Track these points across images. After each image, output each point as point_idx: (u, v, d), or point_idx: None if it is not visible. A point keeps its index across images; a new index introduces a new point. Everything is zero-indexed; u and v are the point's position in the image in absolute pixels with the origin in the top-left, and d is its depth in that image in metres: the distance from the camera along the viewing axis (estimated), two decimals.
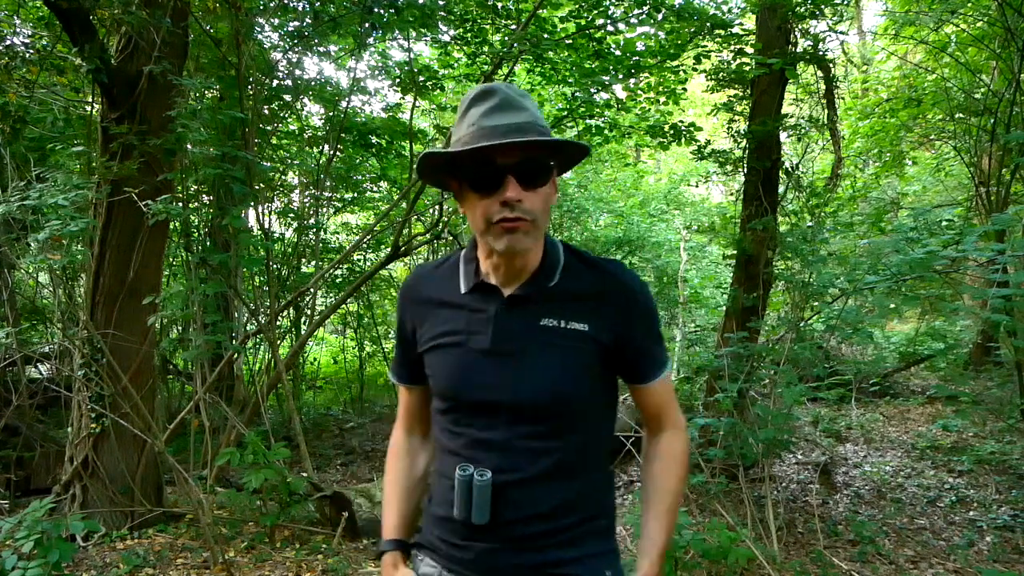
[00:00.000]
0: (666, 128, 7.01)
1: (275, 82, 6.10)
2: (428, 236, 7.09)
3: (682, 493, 1.38)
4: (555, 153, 1.24)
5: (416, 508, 1.47)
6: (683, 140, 7.00)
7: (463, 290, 1.30)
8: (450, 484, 1.26)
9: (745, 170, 6.35)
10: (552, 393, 1.23)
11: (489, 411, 1.25)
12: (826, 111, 7.51)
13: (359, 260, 8.95)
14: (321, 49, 6.65)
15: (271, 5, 5.60)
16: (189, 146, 4.35)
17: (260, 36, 5.89)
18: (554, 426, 1.24)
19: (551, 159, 1.23)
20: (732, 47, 6.30)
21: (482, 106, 1.20)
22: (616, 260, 1.35)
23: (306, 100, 7.15)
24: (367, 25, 5.52)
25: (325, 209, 8.26)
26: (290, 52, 6.09)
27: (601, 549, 1.30)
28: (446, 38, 6.45)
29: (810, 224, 5.91)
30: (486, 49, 6.32)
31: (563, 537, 1.25)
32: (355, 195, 8.63)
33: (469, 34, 6.20)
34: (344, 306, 8.40)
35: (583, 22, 6.05)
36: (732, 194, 10.59)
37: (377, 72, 7.04)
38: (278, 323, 6.30)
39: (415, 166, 1.25)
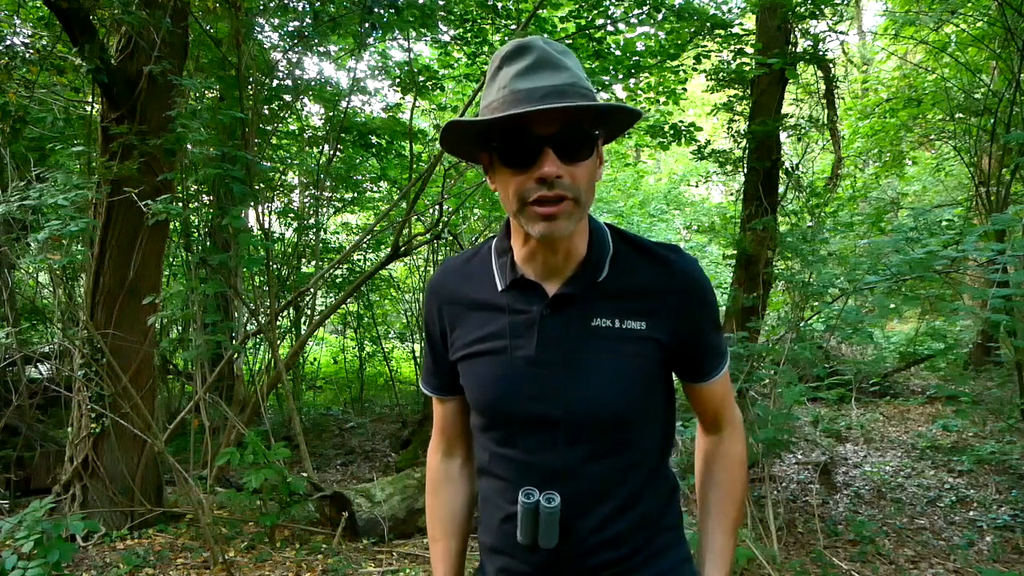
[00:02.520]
0: (666, 128, 7.02)
1: (275, 82, 6.09)
2: (428, 236, 7.09)
3: (743, 500, 1.25)
4: (601, 121, 1.05)
5: (466, 545, 1.32)
6: (683, 140, 7.00)
7: (500, 287, 1.13)
8: (502, 514, 1.14)
9: (745, 170, 6.35)
10: (611, 406, 1.08)
11: (541, 428, 1.10)
12: (826, 111, 7.52)
13: (359, 260, 8.94)
14: (321, 49, 6.64)
15: (271, 5, 5.60)
16: (189, 146, 4.35)
17: (260, 36, 5.89)
18: (616, 441, 1.10)
19: (596, 128, 1.04)
20: (732, 47, 6.30)
21: (515, 65, 1.03)
22: (673, 244, 1.17)
23: (306, 100, 7.14)
24: (367, 25, 5.52)
25: (325, 209, 8.25)
26: (290, 52, 6.09)
27: (672, 563, 1.19)
28: (446, 38, 6.45)
29: (810, 224, 5.91)
30: (486, 49, 6.32)
31: (635, 561, 1.13)
32: (355, 195, 8.63)
33: (469, 34, 6.21)
34: (344, 306, 8.39)
35: (583, 22, 6.05)
36: (732, 194, 10.59)
37: (377, 72, 7.04)
38: (278, 323, 6.30)
39: (440, 136, 1.09)
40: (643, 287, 1.11)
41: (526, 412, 1.10)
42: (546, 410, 1.09)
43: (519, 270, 1.12)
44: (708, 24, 6.01)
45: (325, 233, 8.86)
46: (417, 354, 9.34)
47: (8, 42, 4.71)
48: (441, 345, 1.21)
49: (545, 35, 5.92)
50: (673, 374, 1.20)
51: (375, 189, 8.93)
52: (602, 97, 6.99)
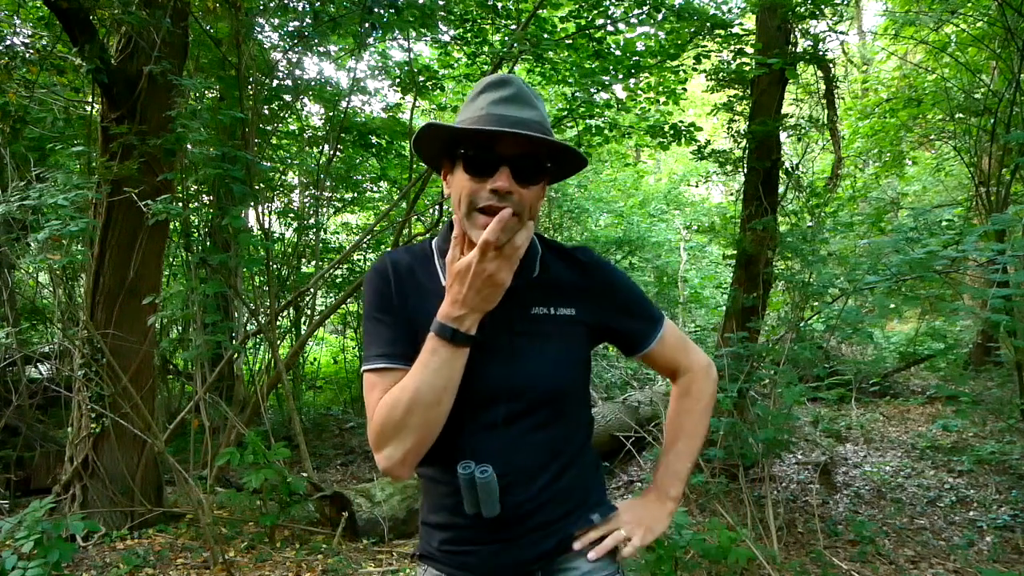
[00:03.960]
0: (666, 128, 7.01)
1: (275, 82, 6.10)
2: (428, 236, 7.09)
3: (703, 433, 1.44)
4: (554, 157, 1.22)
5: None
6: (683, 140, 7.00)
7: (444, 282, 1.22)
8: (447, 488, 1.24)
9: (745, 170, 6.34)
10: (550, 381, 1.24)
11: (486, 404, 1.22)
12: (826, 111, 7.52)
13: (359, 260, 8.95)
14: (321, 49, 6.65)
15: (271, 5, 5.60)
16: (189, 146, 4.35)
17: (260, 36, 5.89)
18: (551, 414, 1.25)
19: (549, 163, 1.22)
20: (732, 47, 6.29)
21: (495, 94, 1.20)
22: (582, 246, 1.40)
23: (306, 100, 7.15)
24: (367, 25, 5.52)
25: (325, 209, 8.26)
26: (290, 52, 6.09)
27: (598, 509, 1.34)
28: (446, 38, 6.45)
29: (810, 224, 5.91)
30: (486, 49, 6.32)
31: (565, 523, 1.28)
32: (355, 195, 8.64)
33: (469, 34, 6.21)
34: (344, 306, 8.40)
35: (583, 22, 6.05)
36: (732, 194, 10.59)
37: (377, 72, 7.04)
38: (278, 323, 6.30)
39: (416, 135, 1.23)
40: (566, 281, 1.30)
41: (474, 392, 1.20)
42: (491, 388, 1.21)
43: None
44: (708, 24, 6.01)
45: (325, 233, 8.87)
46: None
47: (8, 42, 4.71)
48: (395, 315, 1.24)
49: (547, 35, 5.93)
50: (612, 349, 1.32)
51: (375, 189, 8.93)
52: (602, 98, 6.98)
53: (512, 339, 1.24)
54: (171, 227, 5.22)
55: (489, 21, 6.21)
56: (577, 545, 1.28)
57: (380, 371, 1.22)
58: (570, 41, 6.13)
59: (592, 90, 6.56)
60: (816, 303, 5.13)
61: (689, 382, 1.43)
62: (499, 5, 6.01)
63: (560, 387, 1.26)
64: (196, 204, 5.85)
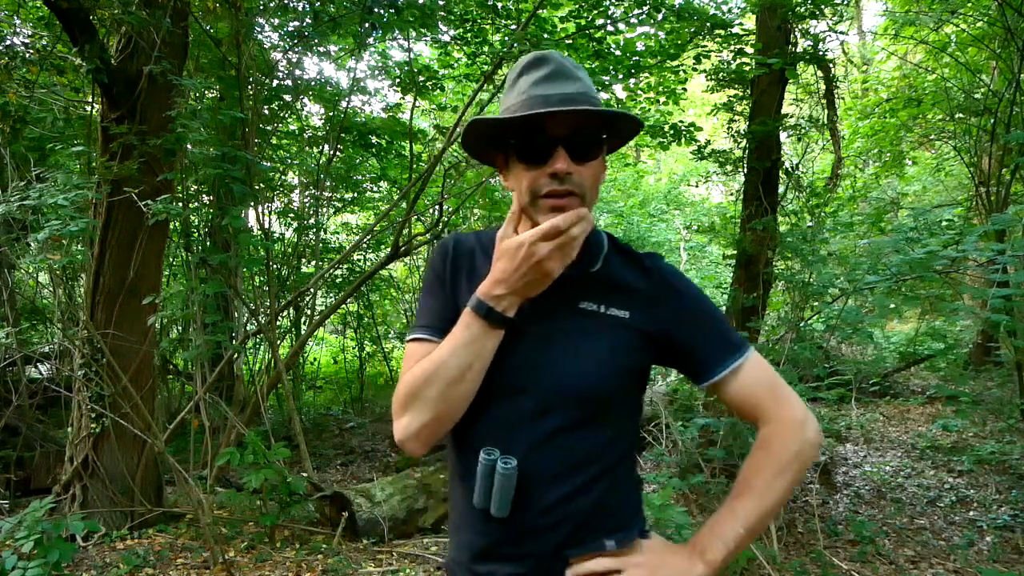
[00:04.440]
0: (666, 128, 7.02)
1: (275, 82, 6.10)
2: (428, 236, 7.10)
3: (775, 499, 1.14)
4: (608, 126, 1.16)
5: None
6: (683, 140, 7.00)
7: None
8: (466, 475, 1.16)
9: (745, 170, 6.35)
10: (584, 383, 1.14)
11: (516, 395, 1.14)
12: (826, 111, 7.52)
13: (359, 260, 8.95)
14: (321, 49, 6.64)
15: (271, 5, 5.60)
16: (189, 146, 4.35)
17: (260, 36, 5.89)
18: (582, 418, 1.14)
19: (603, 133, 1.16)
20: (732, 47, 6.30)
21: (534, 74, 1.15)
22: (653, 253, 1.28)
23: (306, 100, 7.15)
24: (367, 25, 5.52)
25: (325, 209, 8.26)
26: (290, 52, 6.09)
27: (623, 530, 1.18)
28: (446, 38, 6.45)
29: (810, 224, 5.91)
30: (486, 49, 6.32)
31: (580, 536, 1.14)
32: (355, 195, 8.63)
33: (469, 34, 6.21)
34: (344, 306, 8.40)
35: (583, 22, 6.05)
36: (732, 194, 10.59)
37: (377, 72, 7.04)
38: (278, 323, 6.30)
39: (461, 136, 1.19)
40: (629, 283, 1.20)
41: (506, 379, 1.14)
42: (526, 379, 1.14)
43: None
44: (708, 24, 6.01)
45: (325, 233, 8.87)
46: None
47: (8, 42, 4.71)
48: (450, 293, 1.23)
49: (547, 35, 5.93)
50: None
51: (375, 189, 8.93)
52: (602, 98, 6.98)
53: (552, 331, 1.16)
54: (171, 227, 5.22)
55: (489, 21, 6.21)
56: (569, 573, 1.12)
57: (419, 341, 1.21)
58: (570, 41, 6.13)
59: None
60: (816, 303, 5.13)
61: (771, 435, 1.16)
62: (499, 5, 6.01)
63: (596, 390, 1.14)
64: (196, 204, 5.84)
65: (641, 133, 1.36)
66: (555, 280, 1.12)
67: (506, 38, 6.06)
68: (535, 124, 1.11)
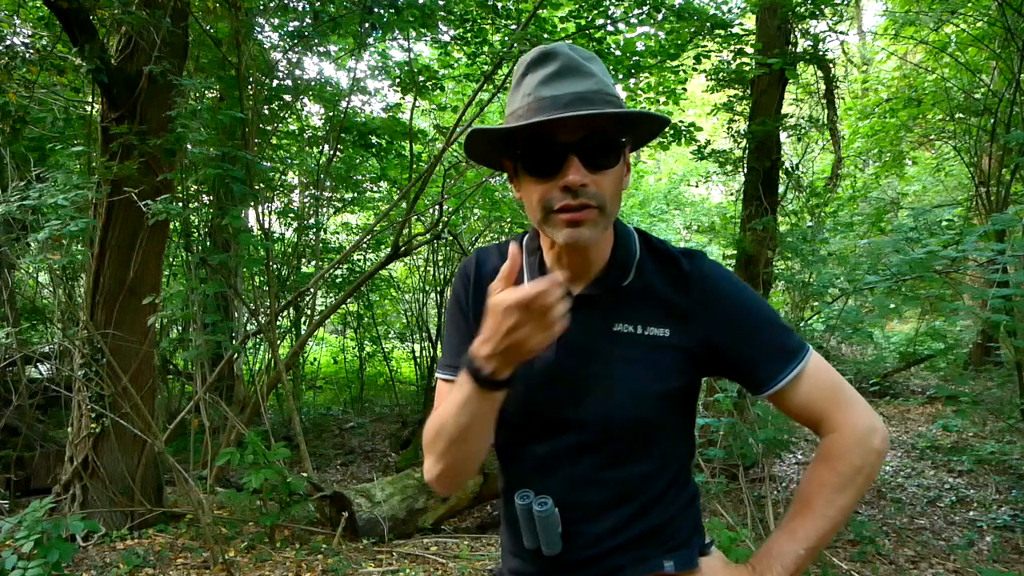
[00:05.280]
0: (666, 128, 7.01)
1: (275, 82, 6.09)
2: (428, 236, 7.09)
3: (837, 517, 1.06)
4: (627, 128, 1.04)
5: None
6: (683, 140, 7.00)
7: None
8: (509, 515, 1.12)
9: (745, 170, 6.35)
10: (624, 415, 1.05)
11: (552, 431, 1.07)
12: (826, 111, 7.52)
13: (359, 260, 8.95)
14: (321, 49, 6.64)
15: (271, 5, 5.60)
16: (189, 146, 4.35)
17: (260, 36, 5.89)
18: (625, 451, 1.06)
19: (622, 135, 1.03)
20: (732, 47, 6.30)
21: (539, 72, 1.01)
22: (693, 252, 1.12)
23: (306, 100, 7.14)
24: (367, 25, 5.52)
25: (325, 209, 8.25)
26: (290, 52, 6.09)
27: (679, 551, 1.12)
28: (446, 38, 6.45)
29: (810, 224, 5.92)
30: (486, 49, 6.32)
31: (634, 570, 1.08)
32: (355, 195, 8.63)
33: (469, 34, 6.20)
34: (344, 306, 8.40)
35: (583, 22, 6.05)
36: (732, 194, 10.59)
37: (377, 72, 7.04)
38: (278, 323, 6.30)
39: (464, 144, 1.07)
40: (667, 295, 1.08)
41: (540, 415, 1.07)
42: (561, 413, 1.06)
43: (546, 270, 1.11)
44: (708, 24, 6.01)
45: (325, 233, 8.87)
46: (417, 354, 9.35)
47: (8, 42, 4.71)
48: (468, 322, 1.16)
49: (547, 35, 5.92)
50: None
51: (375, 189, 8.93)
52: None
53: (585, 361, 1.06)
54: (171, 227, 5.22)
55: (489, 21, 6.20)
56: None
57: (444, 381, 1.15)
58: (570, 41, 6.13)
59: None
60: (816, 303, 5.13)
61: (833, 446, 1.07)
62: (499, 5, 6.01)
63: (638, 422, 1.06)
64: (196, 204, 5.84)
65: None
66: (585, 302, 1.06)
67: (506, 38, 6.06)
68: (543, 131, 0.98)
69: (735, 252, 6.42)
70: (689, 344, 1.06)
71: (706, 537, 1.17)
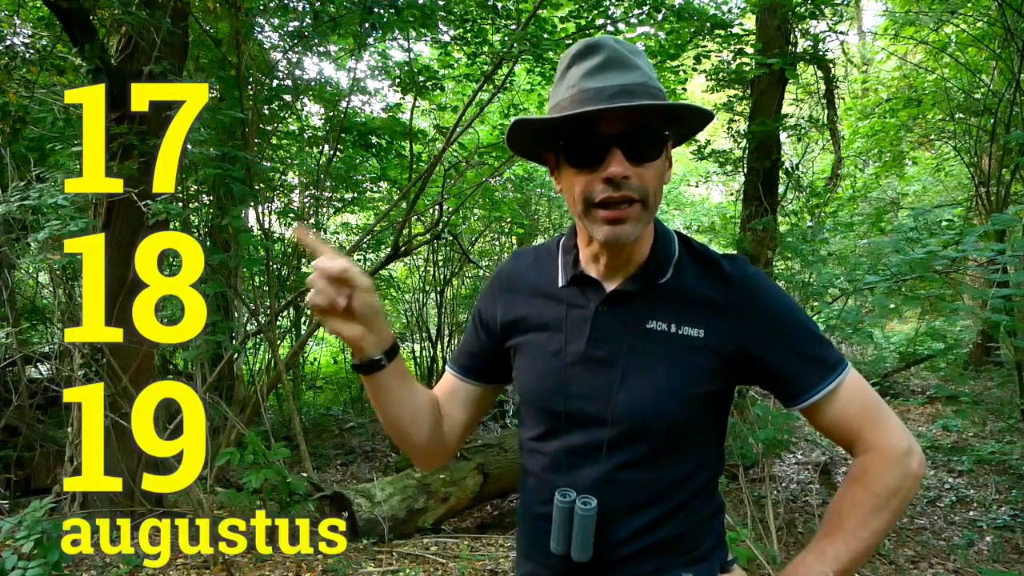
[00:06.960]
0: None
1: (275, 82, 6.10)
2: (428, 236, 7.09)
3: (869, 539, 1.02)
4: (671, 121, 1.04)
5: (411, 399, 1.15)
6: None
7: (561, 283, 1.12)
8: (534, 513, 1.11)
9: (745, 170, 6.35)
10: (657, 412, 1.03)
11: (583, 427, 1.06)
12: (826, 111, 7.52)
13: (359, 260, 8.94)
14: (321, 49, 6.65)
15: (271, 5, 5.60)
16: (189, 146, 4.35)
17: (260, 36, 5.89)
18: (652, 452, 1.05)
19: (666, 128, 1.02)
20: (732, 47, 6.30)
21: (584, 64, 1.01)
22: (736, 256, 1.13)
23: (306, 100, 7.15)
24: (367, 25, 5.52)
25: (325, 209, 8.26)
26: (290, 52, 6.09)
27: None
28: (446, 38, 6.45)
29: (810, 224, 5.92)
30: (486, 49, 6.32)
31: (655, 568, 1.07)
32: (355, 195, 8.63)
33: (469, 34, 6.20)
34: None
35: (583, 22, 6.05)
36: (732, 194, 10.60)
37: (377, 72, 7.04)
38: (278, 323, 6.30)
39: (506, 135, 1.09)
40: (704, 295, 1.06)
41: (570, 409, 1.07)
42: (590, 409, 1.06)
43: (581, 267, 1.11)
44: (708, 24, 6.01)
45: (325, 233, 8.86)
46: (417, 354, 9.35)
47: (8, 42, 4.71)
48: (495, 330, 1.19)
49: (547, 35, 5.92)
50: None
51: (375, 189, 8.93)
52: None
53: (618, 356, 1.05)
54: (171, 227, 5.22)
55: (489, 21, 6.20)
56: None
57: (448, 372, 1.26)
58: (570, 41, 6.13)
59: None
60: (816, 303, 5.13)
61: (868, 466, 1.03)
62: (499, 5, 6.01)
63: (665, 421, 1.04)
64: (196, 204, 5.84)
65: None
66: (619, 298, 1.06)
67: (506, 38, 6.06)
68: (586, 123, 0.98)
69: (735, 252, 6.42)
70: (724, 346, 1.04)
71: (728, 554, 1.14)
